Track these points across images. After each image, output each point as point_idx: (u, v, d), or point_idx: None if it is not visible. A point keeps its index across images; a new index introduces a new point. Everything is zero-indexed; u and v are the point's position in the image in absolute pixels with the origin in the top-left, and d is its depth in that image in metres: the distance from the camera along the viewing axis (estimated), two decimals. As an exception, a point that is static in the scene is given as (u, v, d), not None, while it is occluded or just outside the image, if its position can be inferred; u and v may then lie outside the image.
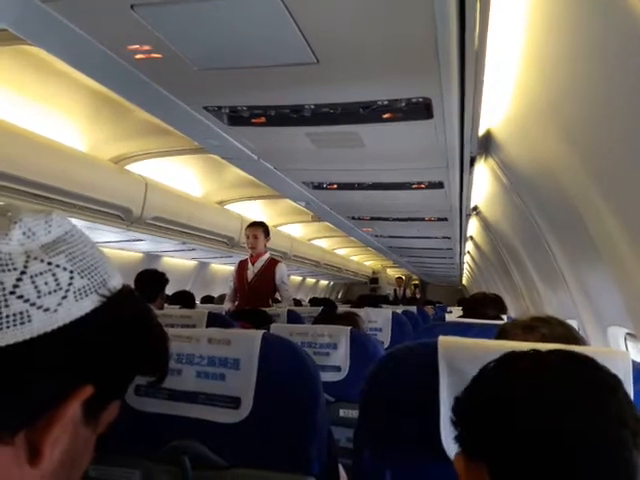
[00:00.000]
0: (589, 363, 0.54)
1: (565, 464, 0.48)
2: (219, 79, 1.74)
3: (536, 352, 0.57)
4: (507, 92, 1.80)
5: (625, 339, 1.98)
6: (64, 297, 0.41)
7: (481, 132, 2.31)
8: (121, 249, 4.82)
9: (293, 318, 2.47)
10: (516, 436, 0.50)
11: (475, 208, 4.28)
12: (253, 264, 3.59)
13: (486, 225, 4.55)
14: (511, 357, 0.58)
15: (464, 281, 12.58)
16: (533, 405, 0.51)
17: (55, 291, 0.41)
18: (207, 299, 5.33)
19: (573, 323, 2.84)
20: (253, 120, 2.10)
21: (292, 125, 2.14)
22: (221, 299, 4.65)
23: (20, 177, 2.60)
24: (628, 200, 1.39)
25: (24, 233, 0.42)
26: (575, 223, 1.82)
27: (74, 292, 0.42)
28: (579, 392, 0.51)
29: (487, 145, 2.52)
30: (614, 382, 0.52)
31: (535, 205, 2.48)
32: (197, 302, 4.45)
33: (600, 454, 0.48)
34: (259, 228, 3.61)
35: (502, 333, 1.11)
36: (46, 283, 0.40)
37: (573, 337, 1.03)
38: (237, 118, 2.08)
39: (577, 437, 0.49)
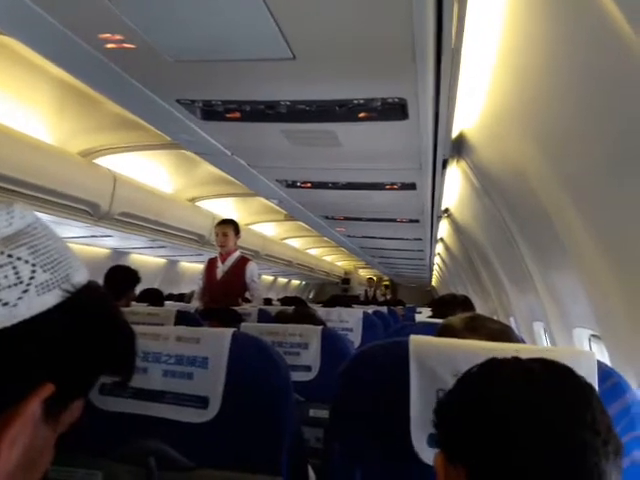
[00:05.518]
0: (568, 372, 0.56)
1: (538, 469, 0.49)
2: (193, 72, 1.71)
3: (517, 360, 0.58)
4: (481, 95, 1.83)
5: (589, 340, 2.04)
6: (25, 291, 0.40)
7: (454, 134, 2.34)
8: (87, 245, 4.71)
9: (264, 317, 2.45)
10: (494, 442, 0.51)
11: (446, 210, 4.34)
12: (223, 262, 3.55)
13: (457, 227, 4.62)
14: (494, 364, 0.59)
15: (434, 282, 12.76)
16: (513, 412, 0.52)
17: (15, 285, 0.40)
18: (177, 297, 5.25)
19: (540, 325, 2.92)
20: (227, 115, 2.07)
21: (267, 121, 2.12)
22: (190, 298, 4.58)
23: (-18, 168, 2.51)
24: (596, 205, 1.42)
25: None
26: (544, 226, 1.85)
27: (36, 286, 0.41)
28: (557, 399, 0.52)
29: (460, 148, 2.55)
30: (590, 391, 0.54)
31: (506, 208, 2.52)
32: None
33: (571, 459, 0.49)
34: (229, 226, 3.57)
35: (445, 331, 1.08)
36: (6, 276, 0.39)
37: (511, 333, 1.07)
38: (211, 112, 2.05)
39: (553, 442, 0.50)
